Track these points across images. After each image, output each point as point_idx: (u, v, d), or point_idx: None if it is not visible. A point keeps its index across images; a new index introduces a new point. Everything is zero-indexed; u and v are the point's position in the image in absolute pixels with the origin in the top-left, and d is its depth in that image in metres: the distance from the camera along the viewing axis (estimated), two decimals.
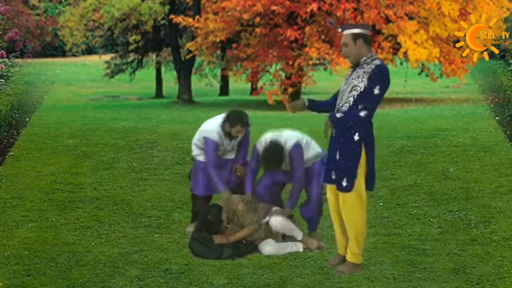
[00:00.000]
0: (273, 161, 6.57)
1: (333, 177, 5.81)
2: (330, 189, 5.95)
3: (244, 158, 7.11)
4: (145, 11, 27.17)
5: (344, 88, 5.76)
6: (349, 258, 5.86)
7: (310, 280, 5.73)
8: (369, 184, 5.81)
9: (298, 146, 6.63)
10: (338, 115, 5.67)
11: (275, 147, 6.56)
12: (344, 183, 5.71)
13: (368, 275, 5.77)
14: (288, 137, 6.68)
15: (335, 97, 5.91)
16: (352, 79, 5.70)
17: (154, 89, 31.86)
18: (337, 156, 5.74)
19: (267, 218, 6.57)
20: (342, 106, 5.73)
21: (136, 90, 32.98)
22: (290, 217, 6.71)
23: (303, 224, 6.84)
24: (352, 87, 5.67)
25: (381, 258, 6.13)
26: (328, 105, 5.96)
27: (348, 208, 5.76)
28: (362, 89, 5.63)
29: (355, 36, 5.67)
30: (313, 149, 6.74)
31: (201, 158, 7.07)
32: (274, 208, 6.64)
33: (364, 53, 5.69)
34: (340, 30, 5.77)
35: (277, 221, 6.50)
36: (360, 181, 5.72)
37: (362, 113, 5.62)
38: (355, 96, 5.65)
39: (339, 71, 20.42)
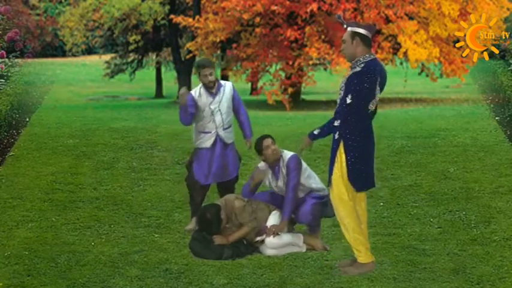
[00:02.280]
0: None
1: None
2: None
3: (250, 130, 7.35)
4: (145, 11, 27.17)
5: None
6: (356, 257, 5.89)
7: (310, 280, 5.73)
8: (356, 185, 5.78)
9: (295, 157, 6.58)
10: (316, 131, 5.98)
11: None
12: (328, 179, 5.87)
13: (368, 275, 5.77)
14: (285, 152, 6.67)
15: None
16: (343, 82, 5.77)
17: (154, 89, 31.85)
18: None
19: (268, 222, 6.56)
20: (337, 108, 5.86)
21: (136, 90, 32.97)
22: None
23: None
24: (341, 88, 5.76)
25: (381, 258, 6.12)
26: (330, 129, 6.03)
27: (335, 204, 5.86)
28: (343, 93, 5.71)
29: (353, 35, 5.70)
30: (315, 180, 6.69)
31: (204, 144, 7.14)
32: (274, 211, 6.61)
33: (359, 54, 5.68)
34: (344, 26, 5.79)
35: (272, 245, 6.43)
36: (338, 181, 5.74)
37: (336, 123, 5.75)
38: (340, 98, 5.74)
39: (339, 71, 20.41)
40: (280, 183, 6.62)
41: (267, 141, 6.61)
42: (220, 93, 7.18)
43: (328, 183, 5.87)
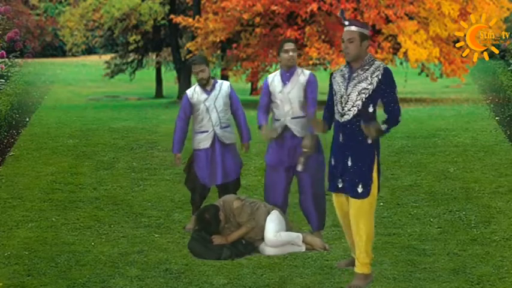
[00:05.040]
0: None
1: (340, 185, 5.59)
2: (336, 196, 5.74)
3: (247, 133, 7.28)
4: (145, 11, 27.20)
5: (347, 91, 5.50)
6: (359, 269, 5.58)
7: (310, 280, 5.73)
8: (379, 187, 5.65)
9: (314, 76, 6.73)
10: (384, 127, 5.46)
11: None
12: (360, 190, 5.49)
13: None
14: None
15: (329, 107, 5.77)
16: (358, 82, 5.48)
17: (154, 89, 31.87)
18: (349, 163, 5.52)
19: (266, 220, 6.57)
20: (349, 110, 5.50)
21: (136, 90, 32.97)
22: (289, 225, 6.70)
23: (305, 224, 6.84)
24: (360, 91, 5.47)
25: (381, 258, 6.12)
26: (329, 120, 5.82)
27: (359, 215, 5.50)
28: (371, 92, 5.45)
29: (364, 37, 5.50)
30: None
31: (202, 145, 7.13)
32: (273, 211, 6.61)
33: (363, 55, 5.54)
34: (347, 23, 5.54)
35: (271, 243, 6.42)
36: (375, 190, 5.55)
37: (400, 118, 5.52)
38: (364, 99, 5.46)
39: None
40: (287, 89, 6.65)
41: (288, 45, 6.64)
42: (216, 90, 7.14)
43: (362, 195, 5.48)
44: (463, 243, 6.54)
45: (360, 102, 5.49)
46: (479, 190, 8.26)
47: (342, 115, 5.55)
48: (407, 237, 6.76)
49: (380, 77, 5.47)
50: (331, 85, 5.72)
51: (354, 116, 5.51)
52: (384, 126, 5.47)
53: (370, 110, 5.49)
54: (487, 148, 10.20)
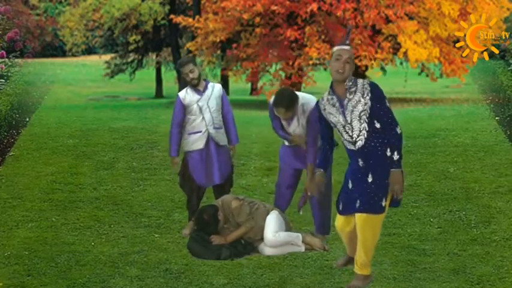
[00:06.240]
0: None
1: (357, 205, 5.43)
2: (346, 218, 5.58)
3: (234, 136, 7.21)
4: (145, 11, 27.22)
5: (348, 120, 5.38)
6: (358, 270, 5.54)
7: (310, 280, 5.73)
8: (395, 200, 5.54)
9: (316, 108, 6.59)
10: (396, 157, 5.38)
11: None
12: (383, 203, 5.41)
13: None
14: (307, 98, 6.63)
15: (326, 137, 5.63)
16: (354, 107, 5.37)
17: (154, 89, 31.87)
18: (370, 179, 5.41)
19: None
20: (358, 136, 5.40)
21: (136, 90, 32.96)
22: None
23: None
24: (360, 114, 5.37)
25: (381, 258, 6.13)
26: (329, 155, 5.70)
27: (370, 227, 5.43)
28: (369, 110, 5.36)
29: (353, 57, 5.46)
30: None
31: (195, 146, 7.09)
32: (272, 211, 6.60)
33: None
34: (347, 42, 5.44)
35: (271, 243, 6.41)
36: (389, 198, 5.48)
37: (398, 130, 5.47)
38: (367, 120, 5.38)
39: None
40: (291, 128, 6.63)
41: (280, 111, 6.56)
42: (209, 90, 7.12)
43: (383, 209, 5.41)
44: (463, 243, 6.54)
45: (365, 125, 5.39)
46: (479, 190, 8.26)
47: (354, 143, 5.43)
48: (407, 237, 6.76)
49: (370, 94, 5.38)
50: (322, 117, 5.55)
51: (367, 139, 5.41)
52: (396, 157, 5.38)
53: (377, 126, 5.41)
54: (487, 148, 10.20)
